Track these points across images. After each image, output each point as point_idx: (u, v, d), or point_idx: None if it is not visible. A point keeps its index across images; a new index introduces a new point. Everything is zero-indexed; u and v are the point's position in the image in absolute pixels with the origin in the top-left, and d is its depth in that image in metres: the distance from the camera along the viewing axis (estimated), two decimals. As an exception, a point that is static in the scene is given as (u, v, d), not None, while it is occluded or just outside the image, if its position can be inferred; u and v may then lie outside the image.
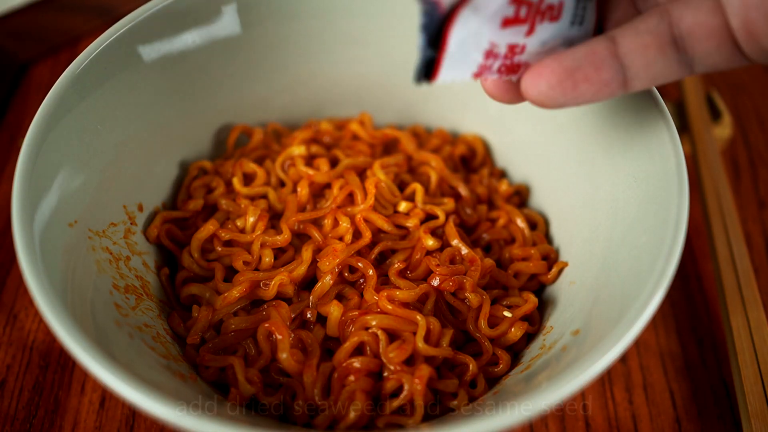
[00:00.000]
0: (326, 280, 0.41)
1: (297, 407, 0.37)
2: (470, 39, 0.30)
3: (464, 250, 0.43)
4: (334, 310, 0.39)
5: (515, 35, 0.31)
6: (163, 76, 0.45)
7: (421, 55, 0.30)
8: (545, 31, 0.31)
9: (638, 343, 0.48)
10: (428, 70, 0.30)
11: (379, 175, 0.46)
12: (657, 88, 0.38)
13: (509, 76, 0.33)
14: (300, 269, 0.41)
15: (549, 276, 0.44)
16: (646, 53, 0.30)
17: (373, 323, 0.38)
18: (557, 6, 0.31)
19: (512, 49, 0.31)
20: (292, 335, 0.39)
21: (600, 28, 0.34)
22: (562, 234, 0.46)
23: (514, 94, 0.34)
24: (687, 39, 0.30)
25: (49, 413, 0.44)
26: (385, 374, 0.38)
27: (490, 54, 0.31)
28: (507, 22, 0.30)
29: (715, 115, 0.58)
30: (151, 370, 0.34)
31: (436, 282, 0.41)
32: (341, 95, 0.53)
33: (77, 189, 0.39)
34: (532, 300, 0.42)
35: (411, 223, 0.44)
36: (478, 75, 0.32)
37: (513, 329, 0.40)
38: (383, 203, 0.45)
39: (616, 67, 0.31)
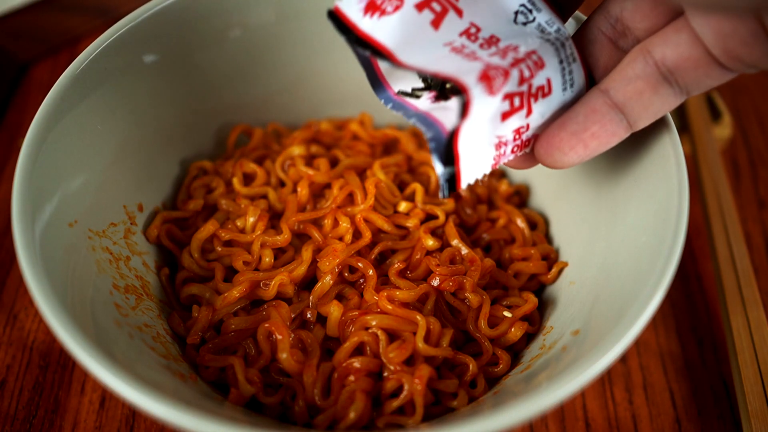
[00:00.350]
0: (326, 280, 0.41)
1: (297, 407, 0.37)
2: (479, 142, 0.32)
3: (464, 250, 0.43)
4: (334, 310, 0.39)
5: (517, 120, 0.33)
6: (163, 76, 0.45)
7: (441, 176, 0.32)
8: (542, 106, 0.33)
9: (638, 343, 0.48)
10: (452, 185, 0.32)
11: (379, 175, 0.46)
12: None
13: (522, 151, 0.35)
14: (300, 269, 0.41)
15: (549, 276, 0.44)
16: (642, 98, 0.32)
17: (373, 323, 0.38)
18: (546, 84, 0.32)
19: (518, 131, 0.33)
20: (292, 335, 0.39)
21: (591, 79, 0.35)
22: (562, 234, 0.46)
23: (530, 161, 0.36)
24: (676, 73, 0.30)
25: (49, 413, 0.44)
26: (385, 374, 0.38)
27: (500, 145, 0.33)
28: (506, 115, 0.32)
29: (715, 115, 0.58)
30: (151, 370, 0.34)
31: (436, 282, 0.41)
32: (341, 95, 0.53)
33: (77, 189, 0.39)
34: (532, 300, 0.42)
35: (411, 223, 0.44)
36: (496, 165, 0.34)
37: (513, 329, 0.40)
38: (383, 203, 0.45)
39: (618, 117, 0.32)
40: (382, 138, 0.50)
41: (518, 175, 0.51)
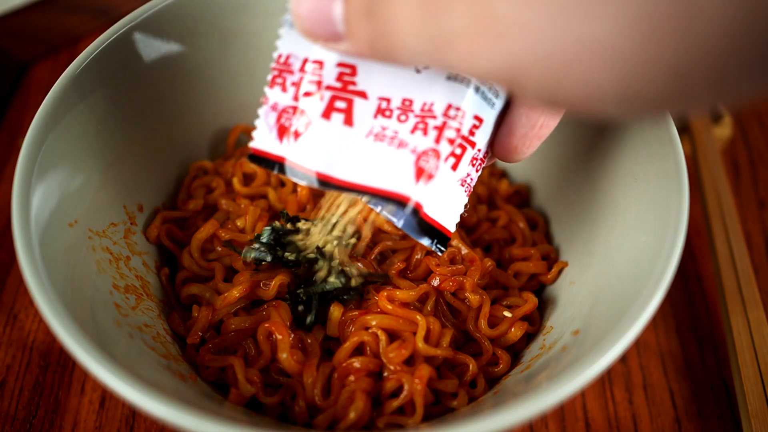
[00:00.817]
0: (326, 280, 0.41)
1: (297, 407, 0.37)
2: (445, 197, 0.32)
3: (464, 250, 0.43)
4: (334, 310, 0.39)
5: (467, 157, 0.32)
6: (163, 76, 0.45)
7: (431, 245, 0.32)
8: (482, 132, 0.32)
9: (638, 343, 0.47)
10: (443, 242, 0.33)
11: (379, 175, 0.46)
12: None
13: (485, 164, 0.35)
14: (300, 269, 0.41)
15: (549, 276, 0.44)
16: None
17: (373, 323, 0.38)
18: (475, 120, 0.32)
19: (473, 160, 0.33)
20: (292, 335, 0.39)
21: None
22: (562, 234, 0.46)
23: (493, 158, 0.36)
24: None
25: (49, 413, 0.44)
26: (385, 374, 0.38)
27: (464, 181, 0.33)
28: (455, 165, 0.32)
29: (715, 115, 0.58)
30: (151, 370, 0.34)
31: (436, 282, 0.41)
32: (341, 95, 0.53)
33: (77, 189, 0.39)
34: (532, 300, 0.42)
35: (411, 223, 0.44)
36: (470, 193, 0.34)
37: (513, 329, 0.40)
38: (383, 203, 0.45)
39: None
40: (382, 138, 0.50)
41: (518, 175, 0.51)
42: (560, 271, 0.44)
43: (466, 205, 0.34)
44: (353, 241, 0.40)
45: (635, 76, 0.21)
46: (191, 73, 0.47)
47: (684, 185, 0.35)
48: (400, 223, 0.31)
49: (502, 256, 0.46)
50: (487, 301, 0.41)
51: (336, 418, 0.37)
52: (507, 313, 0.41)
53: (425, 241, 0.32)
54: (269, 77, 0.32)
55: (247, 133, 0.51)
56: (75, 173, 0.39)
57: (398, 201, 0.30)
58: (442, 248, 0.33)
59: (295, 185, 0.46)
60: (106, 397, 0.44)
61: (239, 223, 0.44)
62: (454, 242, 0.43)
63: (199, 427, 0.27)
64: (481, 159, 0.34)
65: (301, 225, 0.41)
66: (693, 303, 0.50)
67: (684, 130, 0.57)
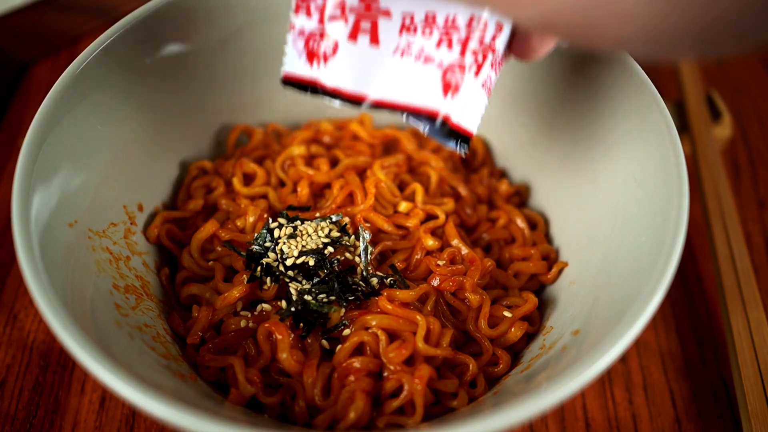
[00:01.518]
0: (326, 280, 0.41)
1: (297, 407, 0.37)
2: (469, 100, 0.34)
3: (464, 250, 0.43)
4: (334, 313, 0.39)
5: (489, 61, 0.33)
6: (163, 76, 0.45)
7: (457, 148, 0.34)
8: (502, 39, 0.34)
9: (638, 343, 0.47)
10: (467, 143, 0.35)
11: (379, 175, 0.46)
12: (657, 88, 0.39)
13: (503, 64, 0.36)
14: (300, 269, 0.41)
15: (549, 276, 0.44)
16: None
17: (373, 323, 0.38)
18: (497, 27, 0.33)
19: (493, 63, 0.34)
20: (292, 335, 0.39)
21: None
22: (562, 234, 0.46)
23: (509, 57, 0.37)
24: None
25: (49, 413, 0.44)
26: (385, 374, 0.38)
27: (485, 83, 0.34)
28: (477, 72, 0.33)
29: (715, 115, 0.58)
30: (151, 370, 0.34)
31: (436, 282, 0.41)
32: (341, 95, 0.53)
33: (77, 189, 0.39)
34: (532, 300, 0.42)
35: (411, 223, 0.44)
36: (490, 93, 0.35)
37: (513, 329, 0.40)
38: (383, 203, 0.45)
39: None
40: (382, 138, 0.50)
41: (518, 175, 0.51)
42: (560, 271, 0.44)
43: (486, 107, 0.35)
44: (358, 243, 0.40)
45: (660, 31, 0.23)
46: (191, 73, 0.47)
47: (684, 185, 0.35)
48: (426, 132, 0.33)
49: (502, 256, 0.46)
50: (487, 301, 0.41)
51: (336, 418, 0.37)
52: (507, 313, 0.41)
53: (450, 145, 0.34)
54: (293, 3, 0.33)
55: (247, 133, 0.51)
56: (75, 173, 0.39)
57: (428, 116, 0.32)
58: (466, 147, 0.35)
59: (294, 185, 0.46)
60: (106, 397, 0.44)
61: (239, 223, 0.44)
62: (454, 242, 0.43)
63: (199, 427, 0.27)
64: (500, 62, 0.35)
65: (300, 225, 0.41)
66: (693, 303, 0.50)
67: (684, 130, 0.57)
